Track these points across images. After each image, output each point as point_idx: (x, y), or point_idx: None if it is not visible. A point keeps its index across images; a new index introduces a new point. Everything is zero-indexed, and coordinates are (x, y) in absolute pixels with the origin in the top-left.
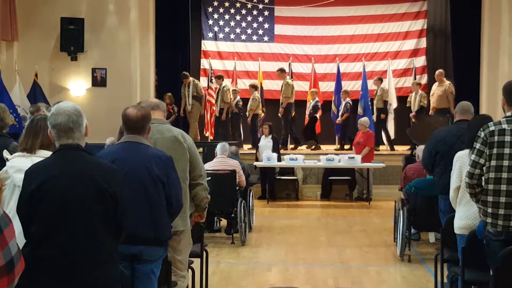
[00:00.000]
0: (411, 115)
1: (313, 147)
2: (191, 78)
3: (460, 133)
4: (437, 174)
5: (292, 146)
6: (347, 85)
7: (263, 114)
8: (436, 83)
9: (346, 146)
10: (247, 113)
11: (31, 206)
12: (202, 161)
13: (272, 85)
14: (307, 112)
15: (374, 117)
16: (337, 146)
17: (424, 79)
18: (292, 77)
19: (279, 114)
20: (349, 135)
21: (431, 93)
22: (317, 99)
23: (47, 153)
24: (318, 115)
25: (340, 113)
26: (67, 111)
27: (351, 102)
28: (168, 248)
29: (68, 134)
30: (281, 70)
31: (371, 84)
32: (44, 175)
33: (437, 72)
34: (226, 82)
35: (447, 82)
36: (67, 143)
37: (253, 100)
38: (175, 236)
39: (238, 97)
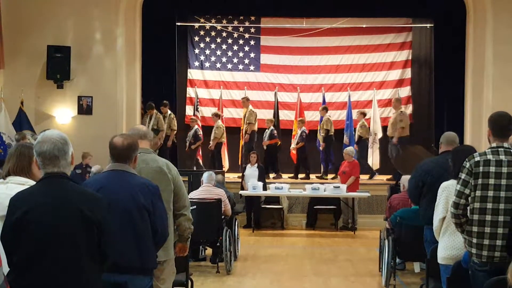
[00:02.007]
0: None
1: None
2: (154, 111)
3: (446, 165)
4: (423, 205)
5: (274, 175)
6: (332, 114)
7: (279, 143)
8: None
9: (301, 175)
10: (210, 142)
11: (15, 234)
12: (187, 190)
13: (259, 115)
14: (296, 141)
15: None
16: (321, 174)
17: (409, 109)
18: (278, 106)
19: (242, 141)
20: (307, 164)
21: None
22: (303, 128)
23: (22, 180)
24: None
25: (294, 142)
26: (52, 139)
27: (306, 131)
28: None
29: (53, 162)
30: (245, 99)
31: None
32: (29, 203)
33: (393, 99)
34: (213, 110)
35: (399, 110)
36: (52, 171)
37: (217, 129)
38: (158, 265)
39: (196, 126)
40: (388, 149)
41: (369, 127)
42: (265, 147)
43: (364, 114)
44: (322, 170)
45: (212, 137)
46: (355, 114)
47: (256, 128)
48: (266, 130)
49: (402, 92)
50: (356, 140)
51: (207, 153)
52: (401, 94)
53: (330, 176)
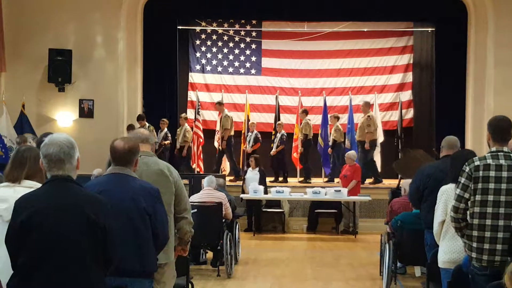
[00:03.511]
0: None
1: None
2: (146, 123)
3: (447, 169)
4: (424, 209)
5: (273, 178)
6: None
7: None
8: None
9: (280, 178)
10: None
11: (19, 237)
12: (188, 194)
13: (259, 118)
14: (276, 145)
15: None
16: (324, 179)
17: (410, 113)
18: (279, 110)
19: (219, 148)
20: (286, 168)
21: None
22: (283, 131)
23: (32, 183)
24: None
25: (275, 146)
26: (59, 142)
27: (286, 134)
28: None
29: (58, 165)
30: (219, 103)
31: (357, 118)
32: (34, 206)
33: (362, 103)
34: (214, 114)
35: (367, 115)
36: (57, 174)
37: (188, 132)
38: (158, 268)
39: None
40: (357, 154)
41: (344, 131)
42: (249, 151)
43: (338, 118)
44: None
45: (181, 140)
46: (356, 117)
47: (232, 133)
48: (277, 134)
49: (403, 96)
50: (331, 144)
51: (209, 156)
52: (402, 98)
53: (313, 180)
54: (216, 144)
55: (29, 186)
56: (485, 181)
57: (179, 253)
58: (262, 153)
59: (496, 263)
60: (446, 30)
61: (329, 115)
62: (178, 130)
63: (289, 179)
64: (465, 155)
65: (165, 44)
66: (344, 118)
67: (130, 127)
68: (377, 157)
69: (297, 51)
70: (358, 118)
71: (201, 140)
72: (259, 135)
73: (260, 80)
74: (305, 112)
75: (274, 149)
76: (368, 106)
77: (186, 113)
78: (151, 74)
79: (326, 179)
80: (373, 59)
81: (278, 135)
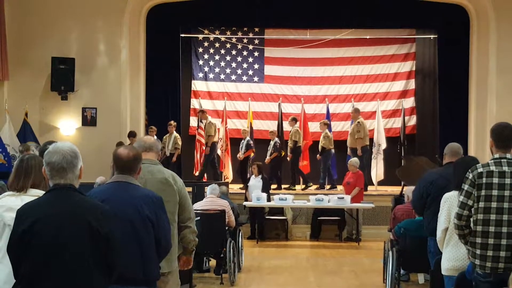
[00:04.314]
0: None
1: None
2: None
3: (451, 176)
4: (427, 216)
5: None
6: (336, 125)
7: (253, 154)
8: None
9: (273, 186)
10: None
11: (22, 246)
12: (191, 202)
13: (262, 125)
14: (270, 152)
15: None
16: (327, 186)
17: (412, 120)
18: (282, 118)
19: (204, 154)
20: (280, 175)
21: None
22: (276, 139)
23: (38, 192)
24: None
25: (268, 153)
26: (62, 151)
27: (279, 142)
28: None
29: (60, 174)
30: (201, 111)
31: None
32: (36, 214)
33: (352, 109)
34: (216, 121)
35: (357, 121)
36: (59, 182)
37: (179, 139)
38: (162, 277)
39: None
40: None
41: (332, 138)
42: (241, 158)
43: (326, 125)
44: (326, 182)
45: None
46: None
47: (216, 139)
48: (271, 142)
49: (406, 103)
50: (319, 151)
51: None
52: (405, 105)
53: (298, 187)
54: (219, 151)
55: (35, 195)
56: (488, 188)
57: (183, 267)
58: (261, 160)
59: (500, 270)
60: (448, 37)
61: (318, 122)
62: (165, 137)
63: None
64: (468, 162)
65: (168, 52)
66: (347, 125)
67: (131, 134)
68: (379, 164)
69: (299, 58)
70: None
71: (204, 148)
72: (251, 142)
73: (263, 87)
74: (294, 119)
75: (268, 157)
76: (358, 112)
77: (189, 121)
78: (154, 82)
79: (329, 186)
80: (376, 66)
81: (272, 143)
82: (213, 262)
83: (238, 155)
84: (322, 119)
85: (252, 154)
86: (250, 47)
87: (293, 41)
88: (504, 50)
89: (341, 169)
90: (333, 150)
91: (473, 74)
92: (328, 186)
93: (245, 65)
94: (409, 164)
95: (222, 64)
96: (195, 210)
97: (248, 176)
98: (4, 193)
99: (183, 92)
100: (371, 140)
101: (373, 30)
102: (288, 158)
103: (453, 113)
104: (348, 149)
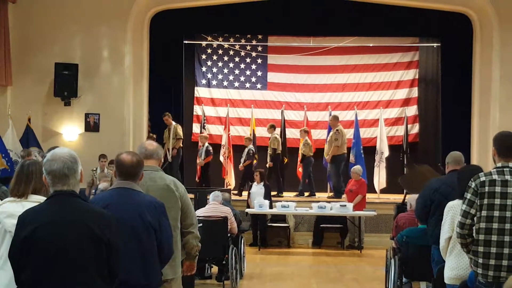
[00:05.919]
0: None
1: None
2: None
3: (454, 184)
4: (431, 224)
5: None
6: None
7: (255, 161)
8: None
9: (244, 193)
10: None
11: (23, 252)
12: (194, 208)
13: (265, 132)
14: (243, 159)
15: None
16: (329, 193)
17: (415, 128)
18: (284, 125)
19: (169, 159)
20: (251, 182)
21: None
22: (250, 146)
23: (39, 198)
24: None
25: (242, 160)
26: (62, 157)
27: (253, 149)
28: None
29: (63, 180)
30: (168, 116)
31: (363, 132)
32: (38, 221)
33: (330, 117)
34: (219, 128)
35: (336, 129)
36: (61, 189)
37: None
38: (165, 283)
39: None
40: (327, 169)
41: (320, 146)
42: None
43: (307, 132)
44: (329, 190)
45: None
46: (362, 132)
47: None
48: (245, 149)
49: (409, 111)
50: (300, 158)
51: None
52: (408, 113)
53: (286, 193)
54: (221, 158)
55: (36, 200)
56: (490, 196)
57: (186, 272)
58: (263, 167)
59: (502, 279)
60: (451, 46)
61: (360, 130)
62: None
63: (288, 194)
64: (473, 171)
65: (171, 58)
66: (350, 133)
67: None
68: (382, 172)
69: (302, 66)
70: (364, 132)
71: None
72: (252, 151)
73: (266, 94)
74: (273, 127)
75: (241, 164)
76: (337, 120)
77: (192, 128)
78: (157, 89)
79: (331, 194)
80: (379, 74)
81: (246, 150)
82: (215, 269)
83: (239, 166)
84: (325, 126)
85: (255, 161)
86: (253, 54)
87: (296, 49)
88: (508, 58)
89: (345, 177)
90: (312, 158)
91: (476, 83)
92: (307, 193)
93: (248, 72)
94: (411, 172)
95: (225, 71)
96: (197, 216)
97: (250, 183)
98: (5, 199)
99: (186, 98)
100: (374, 148)
101: (376, 38)
102: (268, 165)
103: (456, 121)
104: (351, 156)
